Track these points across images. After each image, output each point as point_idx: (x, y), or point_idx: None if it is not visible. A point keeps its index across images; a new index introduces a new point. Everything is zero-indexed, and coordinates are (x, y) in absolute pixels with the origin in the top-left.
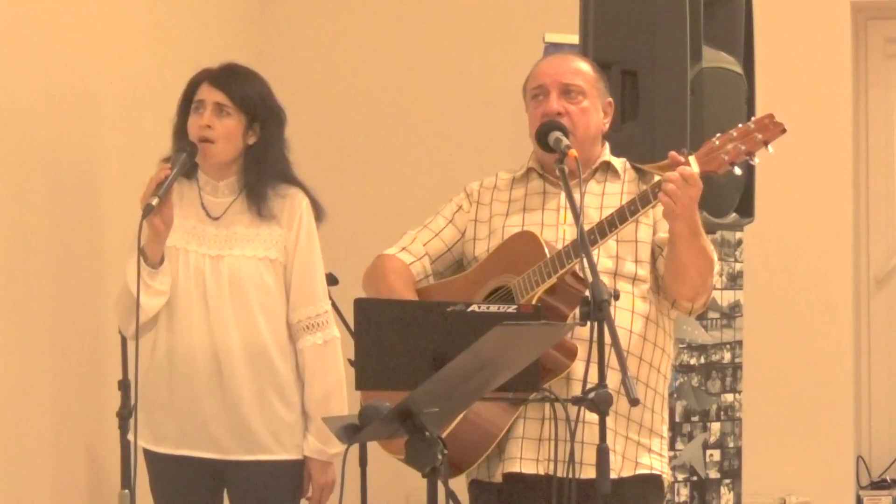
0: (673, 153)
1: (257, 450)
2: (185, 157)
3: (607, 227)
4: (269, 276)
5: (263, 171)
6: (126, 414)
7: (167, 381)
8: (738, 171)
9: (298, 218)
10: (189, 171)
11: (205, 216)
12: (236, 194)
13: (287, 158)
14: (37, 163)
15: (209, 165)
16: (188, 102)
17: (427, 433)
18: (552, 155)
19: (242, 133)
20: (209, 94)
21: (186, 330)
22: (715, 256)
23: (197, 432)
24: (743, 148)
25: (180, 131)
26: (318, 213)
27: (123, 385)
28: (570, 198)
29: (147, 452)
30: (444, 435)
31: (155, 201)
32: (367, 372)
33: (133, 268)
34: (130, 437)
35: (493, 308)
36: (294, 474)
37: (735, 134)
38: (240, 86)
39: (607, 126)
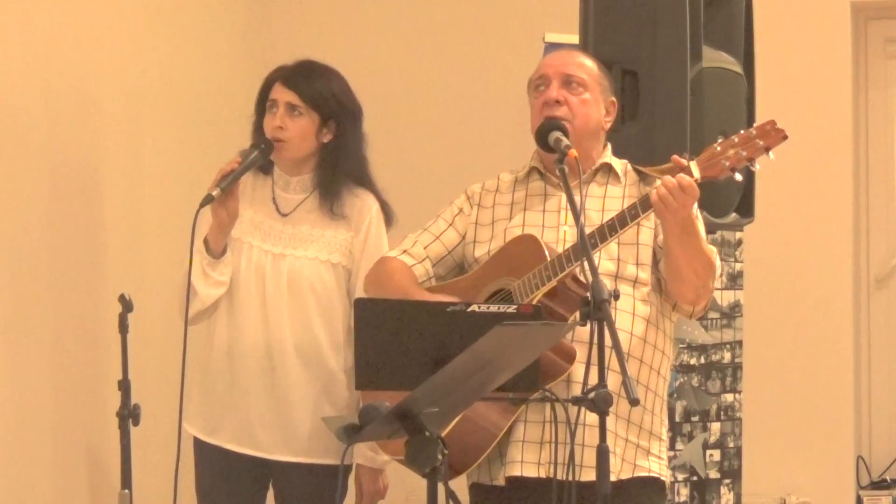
0: (676, 157)
1: (303, 452)
2: (258, 153)
3: (608, 230)
4: (329, 279)
5: (338, 170)
6: (126, 414)
7: (225, 375)
8: (738, 176)
9: (367, 223)
10: (266, 166)
11: (274, 211)
12: (308, 192)
13: (364, 157)
14: (37, 163)
15: (283, 161)
16: (263, 101)
17: (427, 433)
18: (552, 155)
19: (316, 132)
20: (281, 94)
21: (244, 325)
22: (716, 260)
23: (247, 429)
24: (744, 154)
25: (258, 129)
26: (389, 217)
27: (123, 385)
28: (570, 198)
29: (197, 441)
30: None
31: (216, 192)
32: (367, 372)
33: (195, 256)
34: (188, 425)
35: (493, 308)
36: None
37: (737, 140)
38: (311, 85)
39: (609, 124)
